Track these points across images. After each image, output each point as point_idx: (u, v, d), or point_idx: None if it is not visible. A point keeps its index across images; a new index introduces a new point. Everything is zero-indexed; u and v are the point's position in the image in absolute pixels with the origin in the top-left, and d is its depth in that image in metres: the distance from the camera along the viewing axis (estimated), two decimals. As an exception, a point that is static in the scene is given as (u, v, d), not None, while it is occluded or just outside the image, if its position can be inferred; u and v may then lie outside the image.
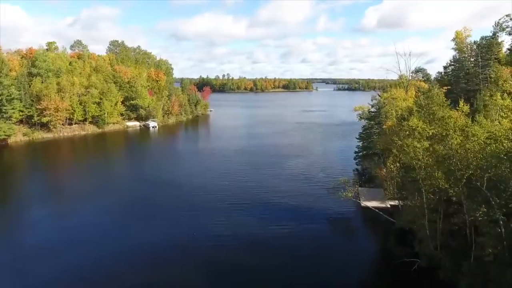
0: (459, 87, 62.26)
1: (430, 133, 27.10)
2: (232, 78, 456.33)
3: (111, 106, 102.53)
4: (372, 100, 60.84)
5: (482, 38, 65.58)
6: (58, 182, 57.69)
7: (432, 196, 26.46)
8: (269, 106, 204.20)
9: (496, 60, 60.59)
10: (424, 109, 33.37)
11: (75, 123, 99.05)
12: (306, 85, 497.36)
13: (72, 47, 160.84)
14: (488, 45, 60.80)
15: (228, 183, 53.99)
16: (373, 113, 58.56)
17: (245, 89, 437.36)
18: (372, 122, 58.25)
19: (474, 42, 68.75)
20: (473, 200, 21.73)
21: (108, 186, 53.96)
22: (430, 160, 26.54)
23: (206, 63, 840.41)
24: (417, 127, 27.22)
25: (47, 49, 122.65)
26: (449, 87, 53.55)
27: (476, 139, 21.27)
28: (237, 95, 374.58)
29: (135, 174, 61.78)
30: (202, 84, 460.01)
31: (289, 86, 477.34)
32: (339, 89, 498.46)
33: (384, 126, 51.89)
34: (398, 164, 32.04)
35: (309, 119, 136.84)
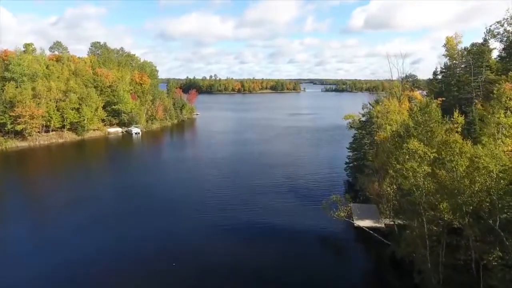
0: (450, 95, 60.83)
1: (432, 157, 24.74)
2: (219, 79, 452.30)
3: (91, 112, 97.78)
4: (363, 108, 58.82)
5: (472, 44, 64.36)
6: (32, 195, 53.61)
7: (435, 228, 24.07)
8: (256, 109, 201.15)
9: (488, 68, 59.43)
10: (422, 126, 31.20)
11: (53, 131, 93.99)
12: (293, 86, 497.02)
13: (51, 48, 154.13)
14: (479, 52, 59.49)
15: (212, 196, 50.99)
16: (364, 123, 56.44)
17: (233, 90, 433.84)
18: (363, 132, 56.14)
19: (465, 48, 67.61)
20: (484, 240, 19.35)
21: (85, 199, 50.21)
22: (432, 186, 24.16)
23: (193, 63, 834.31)
24: (418, 150, 24.81)
25: (24, 51, 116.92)
26: (443, 98, 51.39)
27: (487, 172, 18.93)
28: (225, 96, 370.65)
29: (114, 186, 58.18)
30: (189, 85, 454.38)
31: (277, 87, 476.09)
32: (326, 90, 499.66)
33: (376, 138, 49.79)
34: (394, 186, 29.63)
35: (297, 123, 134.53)
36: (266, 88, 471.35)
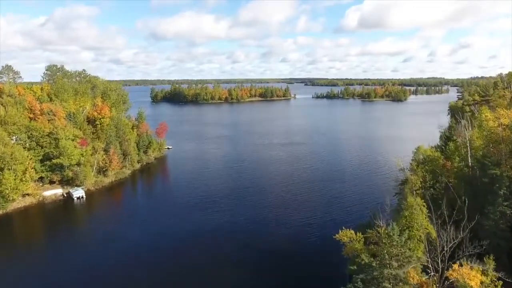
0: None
1: None
2: (206, 87, 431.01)
3: (15, 178, 76.11)
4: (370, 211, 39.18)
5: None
6: None
7: None
8: (242, 137, 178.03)
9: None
10: None
11: (-38, 205, 72.63)
12: (283, 93, 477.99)
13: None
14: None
15: None
16: (369, 265, 36.63)
17: (220, 99, 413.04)
18: (370, 275, 36.42)
19: (508, 127, 48.09)
20: None
21: None
22: None
23: (185, 63, 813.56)
24: None
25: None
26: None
27: None
28: (210, 107, 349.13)
29: None
30: (174, 94, 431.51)
31: (266, 94, 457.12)
32: (317, 97, 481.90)
33: None
34: None
35: (287, 168, 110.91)
36: (255, 96, 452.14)
